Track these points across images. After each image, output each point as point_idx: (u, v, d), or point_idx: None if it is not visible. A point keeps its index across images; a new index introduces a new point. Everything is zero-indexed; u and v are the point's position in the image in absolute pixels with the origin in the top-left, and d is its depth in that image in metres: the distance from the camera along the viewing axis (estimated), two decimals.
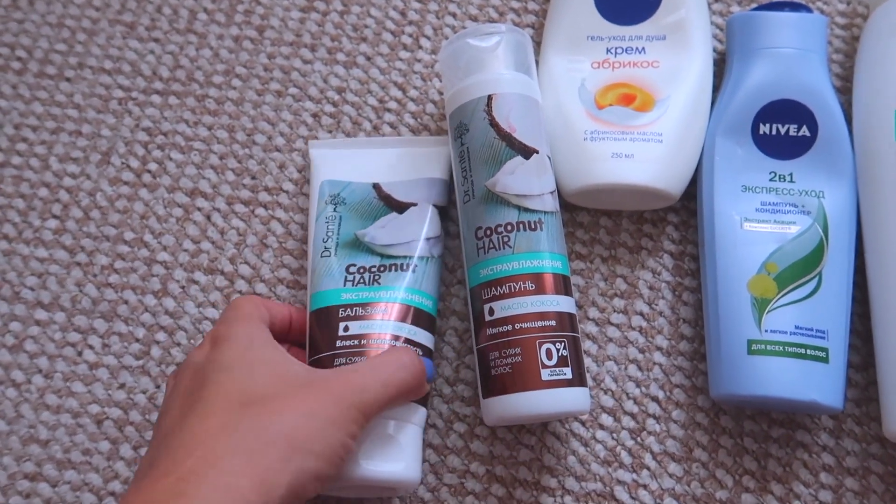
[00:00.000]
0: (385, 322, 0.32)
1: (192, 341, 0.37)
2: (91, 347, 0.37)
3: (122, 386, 0.36)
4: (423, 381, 0.31)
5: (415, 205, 0.35)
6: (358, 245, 0.34)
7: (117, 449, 0.35)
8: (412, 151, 0.37)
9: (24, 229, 0.39)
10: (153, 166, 0.40)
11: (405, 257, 0.34)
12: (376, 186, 0.35)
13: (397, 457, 0.31)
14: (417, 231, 0.34)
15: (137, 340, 0.37)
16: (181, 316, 0.37)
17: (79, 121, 0.40)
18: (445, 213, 0.36)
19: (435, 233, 0.35)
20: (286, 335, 0.33)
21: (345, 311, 0.33)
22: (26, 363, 0.37)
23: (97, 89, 0.41)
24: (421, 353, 0.33)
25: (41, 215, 0.39)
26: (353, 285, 0.33)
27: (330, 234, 0.34)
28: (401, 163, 0.36)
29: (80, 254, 0.38)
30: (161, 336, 0.37)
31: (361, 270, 0.34)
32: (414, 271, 0.34)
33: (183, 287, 0.38)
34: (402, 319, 0.33)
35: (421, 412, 0.32)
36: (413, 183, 0.36)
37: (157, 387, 0.36)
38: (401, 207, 0.35)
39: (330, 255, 0.34)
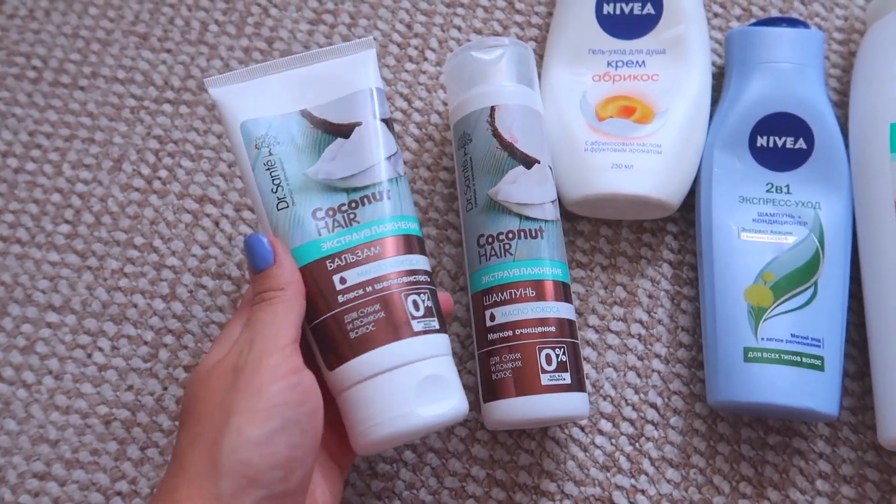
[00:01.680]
0: (384, 261, 0.29)
1: (199, 344, 0.38)
2: (100, 350, 0.38)
3: (130, 388, 0.37)
4: (269, 278, 0.28)
5: (359, 124, 0.30)
6: (314, 185, 0.29)
7: (125, 450, 0.36)
8: (330, 66, 0.31)
9: (37, 234, 0.40)
10: (163, 173, 0.41)
11: (373, 185, 0.30)
12: (306, 114, 0.30)
13: (449, 392, 0.29)
14: (375, 153, 0.30)
15: (146, 343, 0.38)
16: (189, 320, 0.38)
17: (92, 128, 0.41)
18: (392, 125, 0.32)
19: (392, 149, 0.31)
20: None
21: (332, 263, 0.29)
22: (37, 364, 0.37)
23: (110, 98, 0.42)
24: (427, 280, 0.30)
25: (54, 220, 0.40)
26: (329, 232, 0.29)
27: (277, 181, 0.29)
28: (322, 81, 0.31)
29: (91, 258, 0.39)
30: (169, 339, 0.38)
31: (331, 212, 0.29)
32: (390, 197, 0.30)
33: (191, 291, 0.38)
34: (400, 252, 0.29)
35: (445, 341, 0.30)
36: (346, 100, 0.30)
37: (165, 388, 0.37)
38: (344, 131, 0.30)
39: (288, 206, 0.29)
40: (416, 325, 0.29)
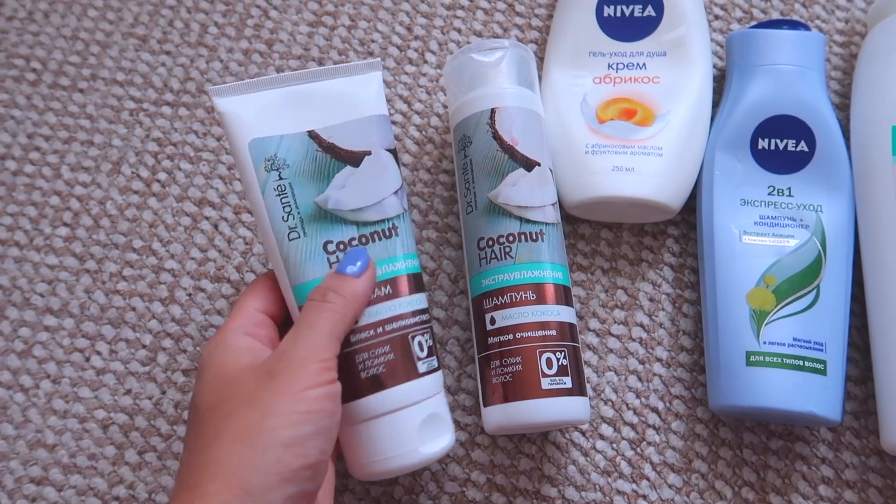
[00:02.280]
0: (395, 302, 0.29)
1: (197, 348, 0.37)
2: (99, 353, 0.37)
3: (128, 392, 0.37)
4: (350, 287, 0.28)
5: (369, 153, 0.29)
6: (324, 215, 0.28)
7: (122, 454, 0.36)
8: (337, 85, 0.30)
9: (36, 236, 0.39)
10: (162, 176, 0.40)
11: (384, 221, 0.29)
12: (313, 135, 0.29)
13: (444, 428, 0.30)
14: (384, 186, 0.29)
15: (144, 347, 0.37)
16: (187, 323, 0.38)
17: (91, 131, 0.41)
18: (398, 155, 0.31)
19: (399, 183, 0.30)
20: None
21: None
22: (35, 368, 0.37)
23: (109, 100, 0.42)
24: (427, 319, 0.30)
25: (52, 223, 0.40)
26: None
27: (288, 209, 0.28)
28: (329, 100, 0.29)
29: (89, 261, 0.39)
30: (167, 343, 0.37)
31: (341, 246, 0.29)
32: (398, 234, 0.29)
33: (190, 295, 0.38)
34: (410, 292, 0.30)
35: (441, 378, 0.31)
36: (354, 125, 0.29)
37: (163, 392, 0.37)
38: (354, 159, 0.29)
39: (300, 237, 0.28)
40: (421, 367, 0.30)
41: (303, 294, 0.29)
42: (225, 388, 0.27)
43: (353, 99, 0.30)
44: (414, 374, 0.29)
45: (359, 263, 0.28)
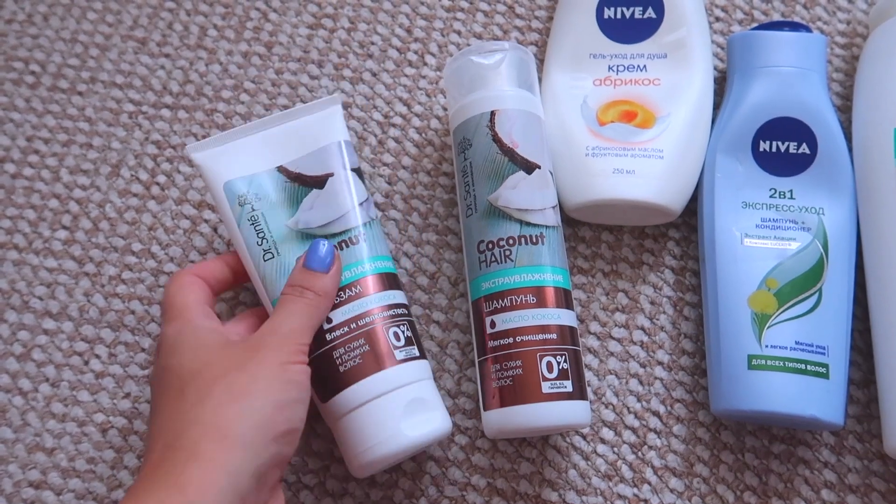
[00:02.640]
0: (365, 299, 0.31)
1: None
2: (98, 357, 0.37)
3: (127, 395, 0.37)
4: (322, 284, 0.30)
5: (331, 175, 0.33)
6: (294, 235, 0.32)
7: (121, 458, 0.36)
8: (300, 124, 0.34)
9: (35, 240, 0.39)
10: (162, 179, 0.40)
11: (349, 230, 0.32)
12: (282, 170, 0.33)
13: (432, 413, 0.31)
14: (349, 200, 0.33)
15: (143, 350, 0.37)
16: None
17: (90, 134, 0.41)
18: (362, 174, 0.34)
19: (364, 196, 0.33)
20: (231, 280, 0.34)
21: None
22: (33, 372, 0.37)
23: (108, 103, 0.42)
24: (405, 312, 0.32)
25: (51, 226, 0.40)
26: None
27: (261, 235, 0.32)
28: (293, 138, 0.33)
29: (88, 264, 0.39)
30: None
31: None
32: (365, 240, 0.32)
33: None
34: (379, 289, 0.32)
35: (426, 366, 0.32)
36: (317, 153, 0.33)
37: None
38: (318, 182, 0.33)
39: (273, 256, 0.32)
40: (399, 354, 0.31)
41: None
42: (207, 356, 0.29)
43: (316, 132, 0.34)
44: (391, 361, 0.31)
45: (327, 260, 0.31)
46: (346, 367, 0.31)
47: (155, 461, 0.26)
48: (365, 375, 0.30)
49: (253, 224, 0.32)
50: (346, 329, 0.31)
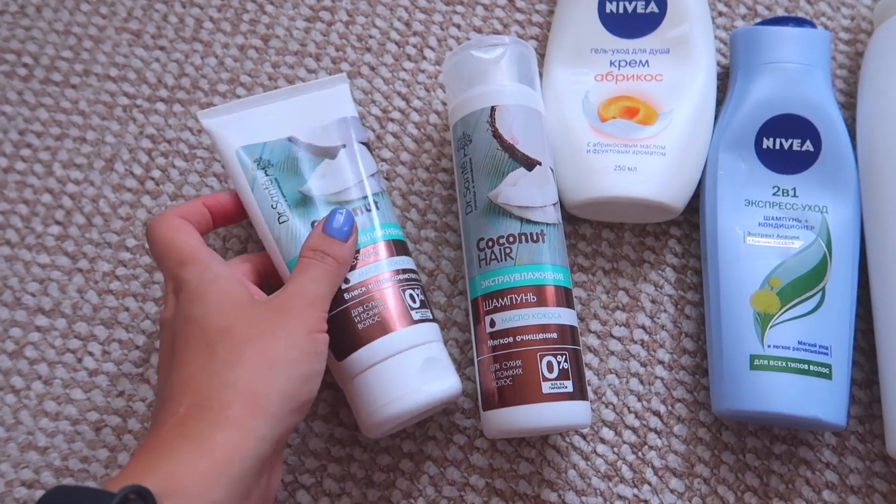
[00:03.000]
0: (378, 262, 0.32)
1: None
2: (91, 354, 0.37)
3: (121, 394, 0.36)
4: (340, 251, 0.31)
5: (343, 146, 0.34)
6: (308, 201, 0.33)
7: (115, 457, 0.35)
8: (310, 98, 0.35)
9: (27, 235, 0.39)
10: (157, 173, 0.40)
11: (361, 198, 0.33)
12: (293, 139, 0.34)
13: (446, 372, 0.31)
14: (360, 171, 0.34)
15: (137, 348, 0.37)
16: None
17: (83, 127, 0.41)
18: (371, 148, 0.36)
19: (373, 168, 0.34)
20: (210, 224, 0.33)
21: None
22: (26, 369, 0.36)
23: (102, 96, 0.41)
24: (416, 278, 0.33)
25: (44, 221, 0.39)
26: None
27: (275, 198, 0.33)
28: (305, 111, 0.35)
29: (81, 260, 0.38)
30: None
31: None
32: (378, 208, 0.33)
33: None
34: (393, 254, 0.33)
35: (437, 328, 0.33)
36: (328, 126, 0.34)
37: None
38: (330, 153, 0.34)
39: (288, 220, 0.33)
40: (415, 315, 0.32)
41: None
42: (236, 313, 0.28)
43: (325, 106, 0.35)
44: (409, 320, 0.31)
45: (345, 228, 0.31)
46: (364, 324, 0.31)
47: (181, 417, 0.26)
48: (384, 333, 0.31)
49: (266, 189, 0.33)
50: (364, 289, 0.32)
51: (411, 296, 0.32)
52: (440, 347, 0.32)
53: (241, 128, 0.34)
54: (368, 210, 0.33)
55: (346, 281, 0.32)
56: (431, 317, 0.33)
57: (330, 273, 0.30)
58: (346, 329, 0.31)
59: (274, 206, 0.33)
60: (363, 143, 0.35)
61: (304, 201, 0.33)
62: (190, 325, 0.28)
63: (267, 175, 0.33)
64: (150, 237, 0.31)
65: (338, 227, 0.31)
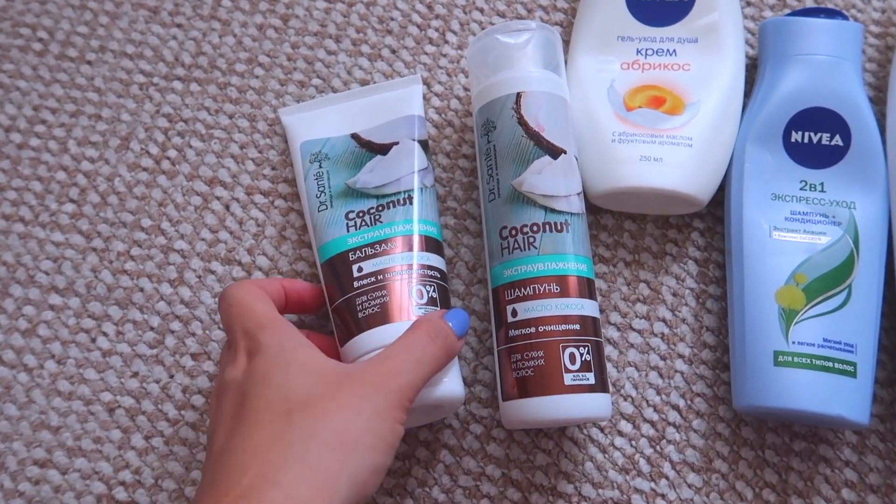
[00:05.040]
0: (395, 255, 0.32)
1: (206, 332, 0.36)
2: (105, 334, 0.36)
3: (135, 374, 0.36)
4: (453, 345, 0.30)
5: (396, 143, 0.35)
6: (351, 193, 0.34)
7: (128, 438, 0.35)
8: (382, 98, 0.37)
9: (41, 212, 0.38)
10: (173, 153, 0.39)
11: (402, 192, 0.34)
12: (355, 136, 0.36)
13: (452, 377, 0.31)
14: (407, 166, 0.35)
15: (152, 329, 0.36)
16: (197, 306, 0.37)
17: (99, 105, 0.40)
18: (428, 146, 0.36)
19: (424, 164, 0.35)
20: (284, 307, 0.33)
21: (355, 255, 0.33)
22: (39, 348, 0.36)
23: (118, 73, 0.40)
24: (437, 276, 0.33)
25: (58, 199, 0.38)
26: (356, 229, 0.34)
27: (321, 188, 0.35)
28: (373, 109, 0.36)
29: (96, 239, 0.38)
30: (176, 325, 0.36)
31: (361, 214, 0.34)
32: (412, 203, 0.34)
33: (199, 276, 0.37)
34: (411, 248, 0.33)
35: None
36: (389, 124, 0.35)
37: (171, 376, 0.36)
38: (383, 149, 0.35)
39: (327, 208, 0.34)
40: (418, 311, 0.32)
41: (325, 252, 0.34)
42: (317, 384, 0.27)
43: (393, 105, 0.36)
44: (408, 314, 0.31)
45: (464, 326, 0.31)
46: (364, 313, 0.32)
47: (245, 488, 0.24)
48: (381, 323, 0.31)
49: (317, 179, 0.35)
50: (372, 280, 0.32)
51: (419, 291, 0.32)
52: None
53: (311, 124, 0.37)
54: (402, 204, 0.34)
55: (360, 269, 0.32)
56: None
57: (435, 360, 0.29)
58: (349, 317, 0.32)
59: (318, 195, 0.35)
60: (420, 141, 0.35)
61: (346, 192, 0.34)
62: (267, 390, 0.27)
63: (321, 167, 0.35)
64: (228, 299, 0.30)
65: (459, 321, 0.31)
